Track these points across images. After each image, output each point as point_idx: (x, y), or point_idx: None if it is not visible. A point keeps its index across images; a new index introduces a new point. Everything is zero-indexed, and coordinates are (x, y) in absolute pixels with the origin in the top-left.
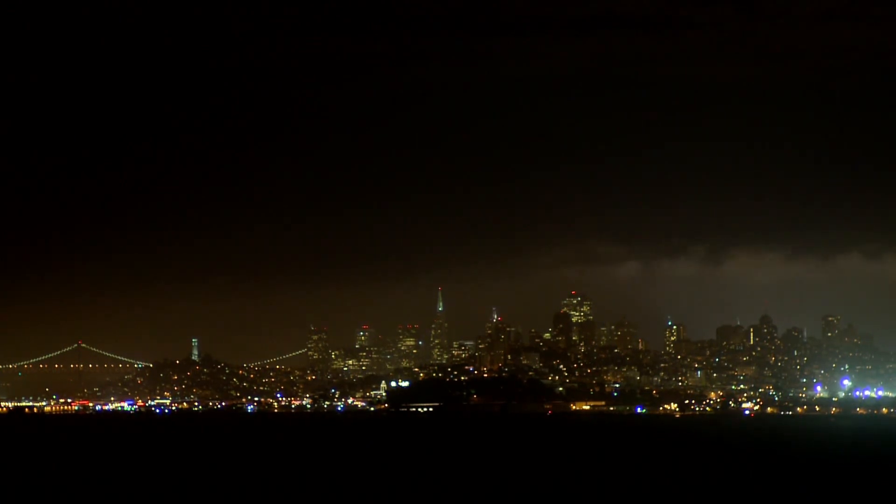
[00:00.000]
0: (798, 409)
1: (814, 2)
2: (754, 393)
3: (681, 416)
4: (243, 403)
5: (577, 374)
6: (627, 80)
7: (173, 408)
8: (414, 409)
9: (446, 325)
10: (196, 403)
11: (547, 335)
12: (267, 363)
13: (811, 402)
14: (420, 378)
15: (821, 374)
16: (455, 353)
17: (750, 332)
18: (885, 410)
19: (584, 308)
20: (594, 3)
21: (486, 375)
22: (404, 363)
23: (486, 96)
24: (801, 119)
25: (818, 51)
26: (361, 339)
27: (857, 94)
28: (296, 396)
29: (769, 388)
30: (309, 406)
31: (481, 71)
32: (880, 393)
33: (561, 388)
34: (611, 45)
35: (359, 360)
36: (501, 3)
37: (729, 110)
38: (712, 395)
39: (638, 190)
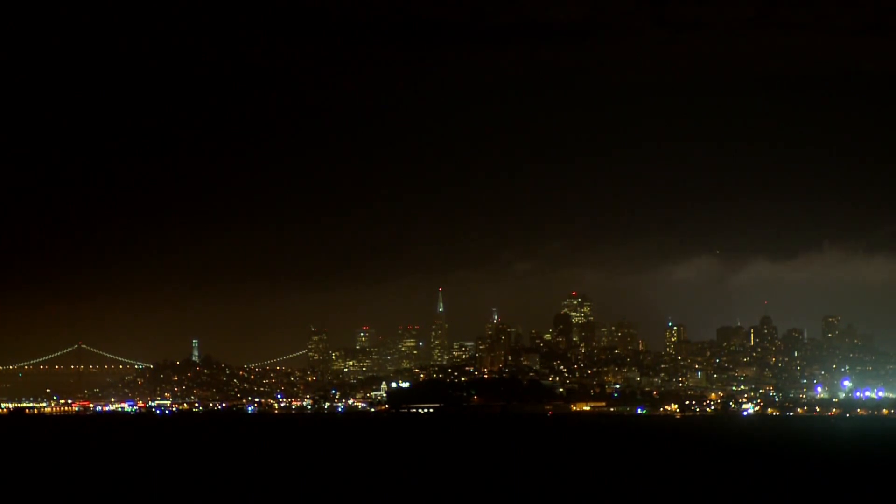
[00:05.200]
0: (798, 409)
1: (726, 11)
2: (755, 394)
3: (681, 416)
4: (244, 404)
5: (577, 374)
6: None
7: (174, 409)
8: (414, 410)
9: (446, 325)
10: (196, 404)
11: (547, 336)
12: (267, 364)
13: (811, 403)
14: (420, 379)
15: (821, 374)
16: (455, 353)
17: (750, 333)
18: (885, 411)
19: (585, 309)
20: (516, 12)
21: (486, 376)
22: (405, 364)
23: (475, 98)
24: (758, 119)
25: (734, 58)
26: (362, 340)
27: (788, 96)
28: (296, 397)
29: (769, 389)
30: (309, 407)
31: (470, 74)
32: (881, 394)
33: (561, 389)
34: (537, 53)
35: (359, 361)
36: (426, 12)
37: (709, 112)
38: (713, 395)
39: (638, 191)
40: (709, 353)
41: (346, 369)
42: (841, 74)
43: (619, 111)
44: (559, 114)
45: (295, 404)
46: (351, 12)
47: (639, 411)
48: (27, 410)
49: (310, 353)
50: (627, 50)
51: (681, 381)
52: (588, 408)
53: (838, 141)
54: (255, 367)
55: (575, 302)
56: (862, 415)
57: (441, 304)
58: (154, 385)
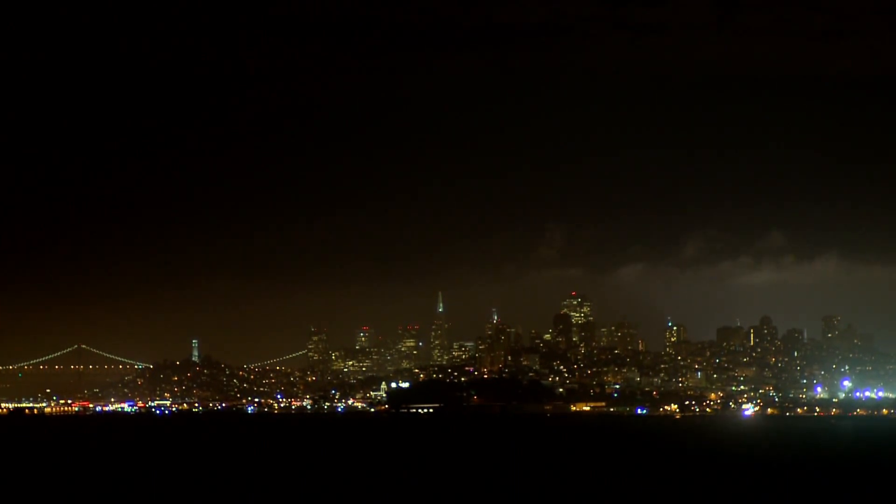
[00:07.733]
0: (798, 409)
1: (686, 15)
2: (754, 394)
3: (681, 416)
4: (243, 404)
5: (577, 374)
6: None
7: (173, 409)
8: (414, 410)
9: (446, 326)
10: (196, 404)
11: (547, 336)
12: (267, 364)
13: (811, 403)
14: (420, 379)
15: (821, 374)
16: (455, 354)
17: (750, 333)
18: (885, 411)
19: (585, 309)
20: (484, 14)
21: (486, 376)
22: (404, 364)
23: (475, 98)
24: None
25: (695, 60)
26: (361, 340)
27: (747, 99)
28: (296, 397)
29: (769, 389)
30: (309, 407)
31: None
32: (880, 394)
33: (561, 389)
34: (511, 55)
35: (359, 361)
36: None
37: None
38: (712, 396)
39: (638, 191)
40: (709, 353)
41: (345, 369)
42: (803, 77)
43: (610, 111)
44: (560, 114)
45: (295, 404)
46: (350, 13)
47: (639, 411)
48: (27, 410)
49: (310, 354)
50: (588, 52)
51: (681, 382)
52: (588, 408)
53: (809, 142)
54: (254, 367)
55: (575, 302)
56: (862, 415)
57: (441, 304)
58: (154, 385)
